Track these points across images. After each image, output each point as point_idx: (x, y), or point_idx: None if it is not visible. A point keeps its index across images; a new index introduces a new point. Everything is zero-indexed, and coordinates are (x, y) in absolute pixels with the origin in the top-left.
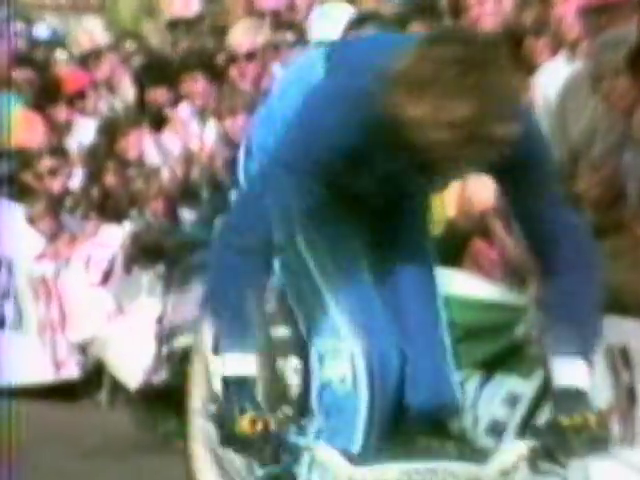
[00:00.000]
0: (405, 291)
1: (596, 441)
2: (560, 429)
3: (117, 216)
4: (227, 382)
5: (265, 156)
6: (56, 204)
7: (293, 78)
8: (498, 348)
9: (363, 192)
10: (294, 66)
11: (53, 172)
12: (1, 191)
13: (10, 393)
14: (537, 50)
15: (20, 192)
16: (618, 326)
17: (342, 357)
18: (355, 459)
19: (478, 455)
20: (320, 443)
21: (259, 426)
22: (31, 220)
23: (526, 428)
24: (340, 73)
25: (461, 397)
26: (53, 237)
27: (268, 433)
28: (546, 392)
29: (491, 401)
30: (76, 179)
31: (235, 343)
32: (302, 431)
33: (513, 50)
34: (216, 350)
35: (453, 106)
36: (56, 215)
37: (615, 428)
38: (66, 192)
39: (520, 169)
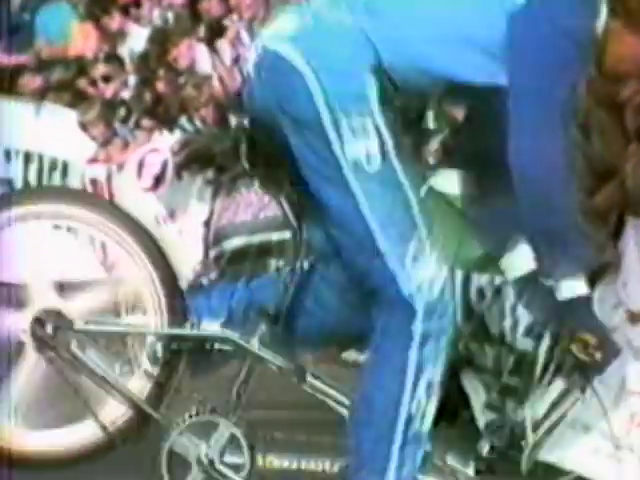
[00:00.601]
0: None
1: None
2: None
3: (168, 123)
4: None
5: None
6: (109, 110)
7: None
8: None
9: None
10: None
11: (107, 79)
12: (57, 97)
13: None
14: None
15: (75, 98)
16: None
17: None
18: None
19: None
20: None
21: None
22: (84, 126)
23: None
24: None
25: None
26: (105, 143)
27: None
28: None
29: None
30: (129, 87)
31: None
32: None
33: None
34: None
35: None
36: (109, 121)
37: None
38: (119, 99)
39: None
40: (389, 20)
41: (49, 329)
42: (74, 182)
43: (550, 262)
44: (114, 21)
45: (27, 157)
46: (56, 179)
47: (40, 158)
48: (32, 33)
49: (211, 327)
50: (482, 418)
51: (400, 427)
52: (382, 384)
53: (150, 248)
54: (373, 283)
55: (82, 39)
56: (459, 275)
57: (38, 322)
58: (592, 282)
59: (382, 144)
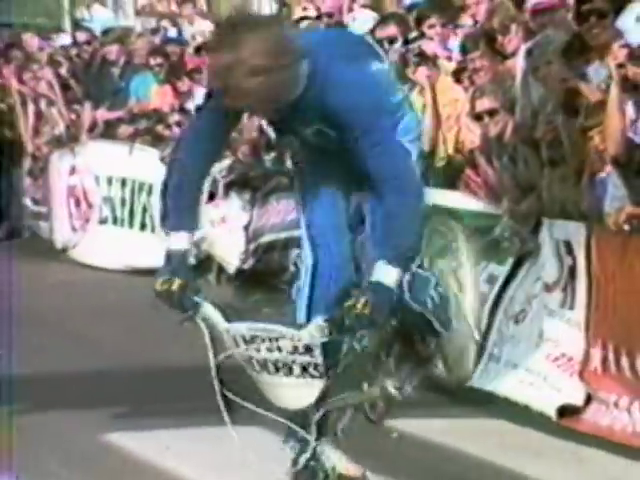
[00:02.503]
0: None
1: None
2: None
3: None
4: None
5: None
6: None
7: None
8: (483, 243)
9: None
10: None
11: (178, 124)
12: (144, 139)
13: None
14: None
15: (155, 140)
16: (563, 226)
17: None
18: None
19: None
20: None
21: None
22: (162, 159)
23: (500, 299)
24: None
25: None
26: None
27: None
28: (514, 274)
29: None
30: None
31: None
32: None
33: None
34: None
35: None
36: None
37: (560, 295)
38: None
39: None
40: None
41: None
42: (155, 199)
43: None
44: (184, 84)
45: (123, 182)
46: (143, 197)
47: (132, 182)
48: (127, 95)
49: None
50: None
51: None
52: None
53: None
54: None
55: (161, 98)
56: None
57: None
58: (520, 263)
59: None
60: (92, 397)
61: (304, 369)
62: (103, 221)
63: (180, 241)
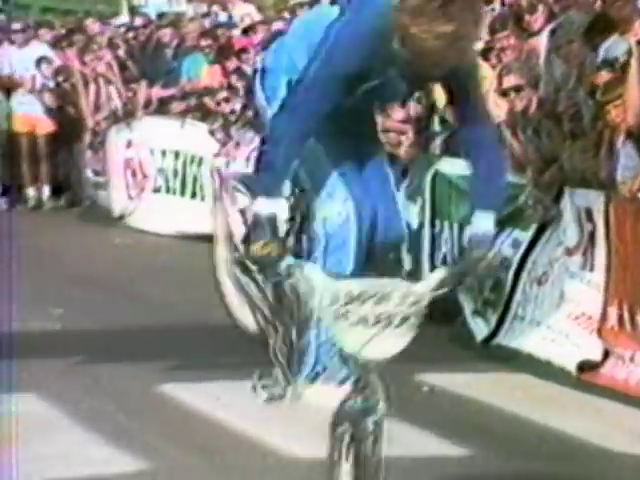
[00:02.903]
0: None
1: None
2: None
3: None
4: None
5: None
6: (227, 122)
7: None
8: (508, 211)
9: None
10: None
11: (226, 100)
12: (194, 115)
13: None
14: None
15: (205, 115)
16: (583, 195)
17: (338, 201)
18: (332, 275)
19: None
20: (308, 263)
21: (267, 250)
22: (211, 132)
23: (524, 262)
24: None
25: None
26: (225, 143)
27: (271, 255)
28: (537, 239)
29: (503, 244)
30: (239, 105)
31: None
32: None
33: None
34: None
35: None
36: (227, 129)
37: (580, 259)
38: (233, 113)
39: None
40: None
41: None
42: (205, 170)
43: None
44: (232, 63)
45: (176, 154)
46: (194, 168)
47: (184, 154)
48: (179, 74)
49: None
50: (471, 319)
51: None
52: None
53: None
54: None
55: (210, 76)
56: (455, 226)
57: None
58: (543, 229)
59: None
60: (146, 351)
61: (404, 319)
62: (157, 190)
63: (275, 206)
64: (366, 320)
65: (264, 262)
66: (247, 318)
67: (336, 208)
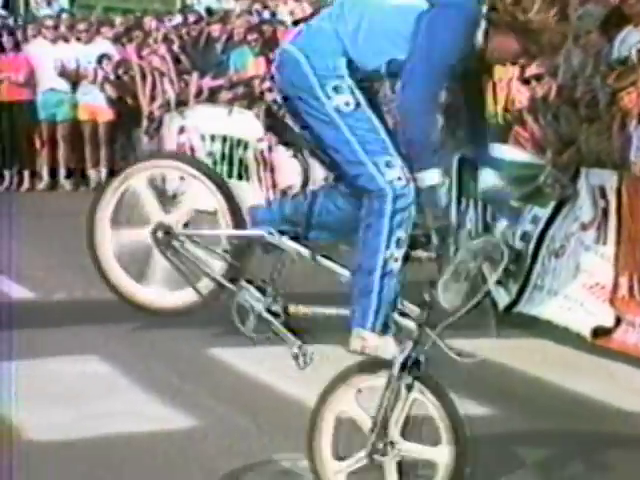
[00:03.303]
0: None
1: None
2: None
3: None
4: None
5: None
6: (269, 108)
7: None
8: (529, 189)
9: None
10: None
11: (270, 89)
12: (241, 103)
13: None
14: None
15: (251, 103)
16: (598, 174)
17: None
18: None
19: None
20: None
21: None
22: (257, 116)
23: (543, 237)
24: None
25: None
26: (268, 127)
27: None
28: (555, 216)
29: (524, 220)
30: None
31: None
32: None
33: None
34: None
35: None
36: (270, 114)
37: (594, 233)
38: (276, 102)
39: None
40: (348, 25)
41: (160, 235)
42: (250, 153)
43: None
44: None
45: (224, 139)
46: (240, 152)
47: (231, 139)
48: (227, 66)
49: (255, 231)
50: (494, 289)
51: (379, 265)
52: (367, 243)
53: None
54: (359, 183)
55: (256, 68)
56: (480, 205)
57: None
58: (560, 206)
59: (354, 97)
60: (197, 318)
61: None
62: None
63: (435, 177)
64: (467, 275)
65: (442, 231)
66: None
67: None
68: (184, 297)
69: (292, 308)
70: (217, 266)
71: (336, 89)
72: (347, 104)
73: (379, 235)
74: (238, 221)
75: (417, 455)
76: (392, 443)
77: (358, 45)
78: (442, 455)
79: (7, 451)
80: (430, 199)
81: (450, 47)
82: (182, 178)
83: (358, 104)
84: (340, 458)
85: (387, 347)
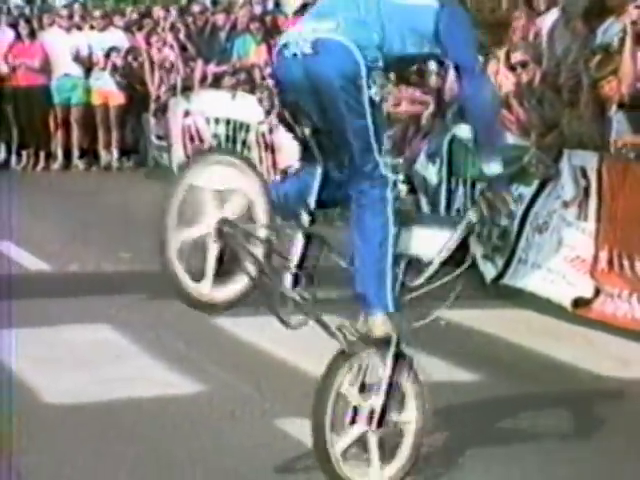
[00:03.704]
0: None
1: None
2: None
3: None
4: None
5: None
6: (272, 93)
7: None
8: (514, 169)
9: None
10: None
11: (271, 76)
12: (244, 88)
13: None
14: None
15: (253, 88)
16: (580, 155)
17: None
18: None
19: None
20: None
21: None
22: (260, 101)
23: (527, 214)
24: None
25: None
26: (269, 112)
27: None
28: (539, 194)
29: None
30: None
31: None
32: None
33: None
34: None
35: None
36: (272, 99)
37: (576, 210)
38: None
39: None
40: (382, 19)
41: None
42: (252, 135)
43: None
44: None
45: (227, 122)
46: (242, 134)
47: (234, 122)
48: (230, 53)
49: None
50: (481, 263)
51: (389, 249)
52: (373, 229)
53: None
54: (366, 170)
55: (258, 55)
56: (469, 183)
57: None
58: (543, 185)
59: (381, 90)
60: None
61: None
62: None
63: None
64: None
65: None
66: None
67: None
68: (235, 289)
69: (321, 294)
70: (261, 255)
71: (374, 80)
72: (377, 95)
73: (385, 222)
74: (271, 215)
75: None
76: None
77: (387, 39)
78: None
79: (24, 413)
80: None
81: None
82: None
83: (382, 97)
84: (336, 431)
85: (395, 324)
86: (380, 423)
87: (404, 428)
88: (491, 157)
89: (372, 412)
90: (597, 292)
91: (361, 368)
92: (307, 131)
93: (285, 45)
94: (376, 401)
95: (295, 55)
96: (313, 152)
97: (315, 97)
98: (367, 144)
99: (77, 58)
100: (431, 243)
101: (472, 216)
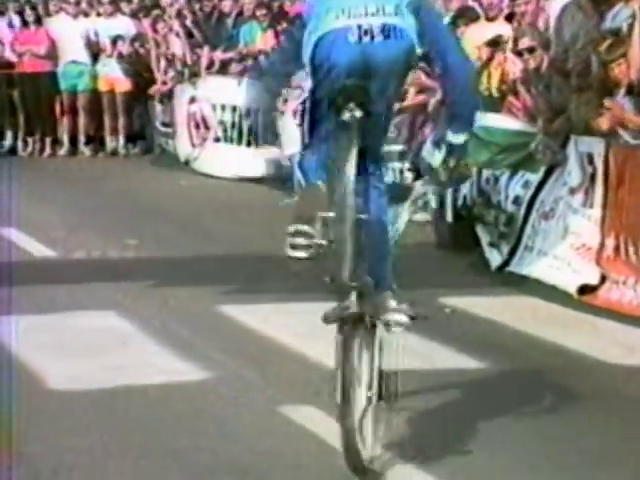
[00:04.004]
0: None
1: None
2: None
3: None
4: None
5: None
6: None
7: None
8: (521, 156)
9: None
10: None
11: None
12: (251, 74)
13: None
14: None
15: (260, 73)
16: (586, 142)
17: None
18: None
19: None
20: None
21: None
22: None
23: (534, 200)
24: None
25: None
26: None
27: None
28: (545, 180)
29: (516, 185)
30: None
31: None
32: None
33: None
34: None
35: None
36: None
37: (582, 197)
38: None
39: None
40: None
41: None
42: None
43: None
44: (283, 28)
45: (234, 108)
46: (249, 121)
47: (240, 109)
48: (237, 40)
49: None
50: (487, 250)
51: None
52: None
53: None
54: (381, 151)
55: (264, 41)
56: (474, 170)
57: None
58: (550, 171)
59: None
60: (208, 277)
61: None
62: (217, 140)
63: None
64: None
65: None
66: None
67: None
68: None
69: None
70: None
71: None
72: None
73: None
74: None
75: None
76: None
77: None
78: None
79: (30, 399)
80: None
81: None
82: None
83: None
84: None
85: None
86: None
87: None
88: (462, 128)
89: None
90: (603, 279)
91: None
92: (358, 114)
93: (345, 29)
94: None
95: (360, 40)
96: (351, 136)
97: (369, 80)
98: (388, 126)
99: (89, 43)
100: None
101: (421, 187)
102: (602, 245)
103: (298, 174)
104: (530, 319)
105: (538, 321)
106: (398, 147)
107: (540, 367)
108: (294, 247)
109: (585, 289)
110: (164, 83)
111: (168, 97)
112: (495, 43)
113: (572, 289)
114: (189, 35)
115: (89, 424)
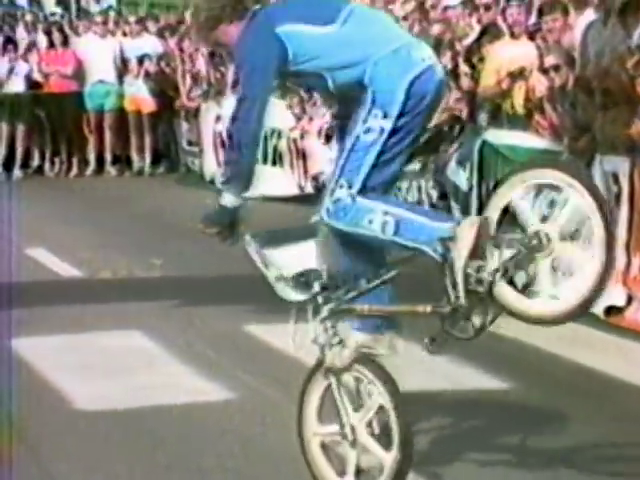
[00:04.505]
0: None
1: None
2: None
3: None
4: None
5: None
6: (302, 99)
7: None
8: None
9: None
10: None
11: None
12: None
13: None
14: None
15: (283, 93)
16: (611, 160)
17: None
18: None
19: None
20: None
21: None
22: (289, 107)
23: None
24: None
25: None
26: (300, 118)
27: None
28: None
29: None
30: None
31: None
32: None
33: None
34: None
35: None
36: (303, 105)
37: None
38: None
39: None
40: None
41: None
42: (283, 142)
43: None
44: None
45: None
46: (274, 140)
47: (265, 128)
48: None
49: None
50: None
51: None
52: None
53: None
54: None
55: None
56: None
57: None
58: None
59: None
60: (233, 296)
61: None
62: None
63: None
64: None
65: None
66: None
67: None
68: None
69: None
70: None
71: None
72: None
73: None
74: (609, 230)
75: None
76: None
77: None
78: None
79: (56, 419)
80: None
81: None
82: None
83: None
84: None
85: None
86: None
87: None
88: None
89: None
90: (629, 300)
91: None
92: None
93: (432, 63)
94: None
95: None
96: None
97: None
98: None
99: (117, 64)
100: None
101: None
102: (628, 266)
103: None
104: (555, 339)
105: (564, 342)
106: (416, 165)
107: (565, 388)
108: None
109: (611, 310)
110: (190, 99)
111: (194, 116)
112: (518, 73)
113: (598, 310)
114: (212, 54)
115: (115, 444)
